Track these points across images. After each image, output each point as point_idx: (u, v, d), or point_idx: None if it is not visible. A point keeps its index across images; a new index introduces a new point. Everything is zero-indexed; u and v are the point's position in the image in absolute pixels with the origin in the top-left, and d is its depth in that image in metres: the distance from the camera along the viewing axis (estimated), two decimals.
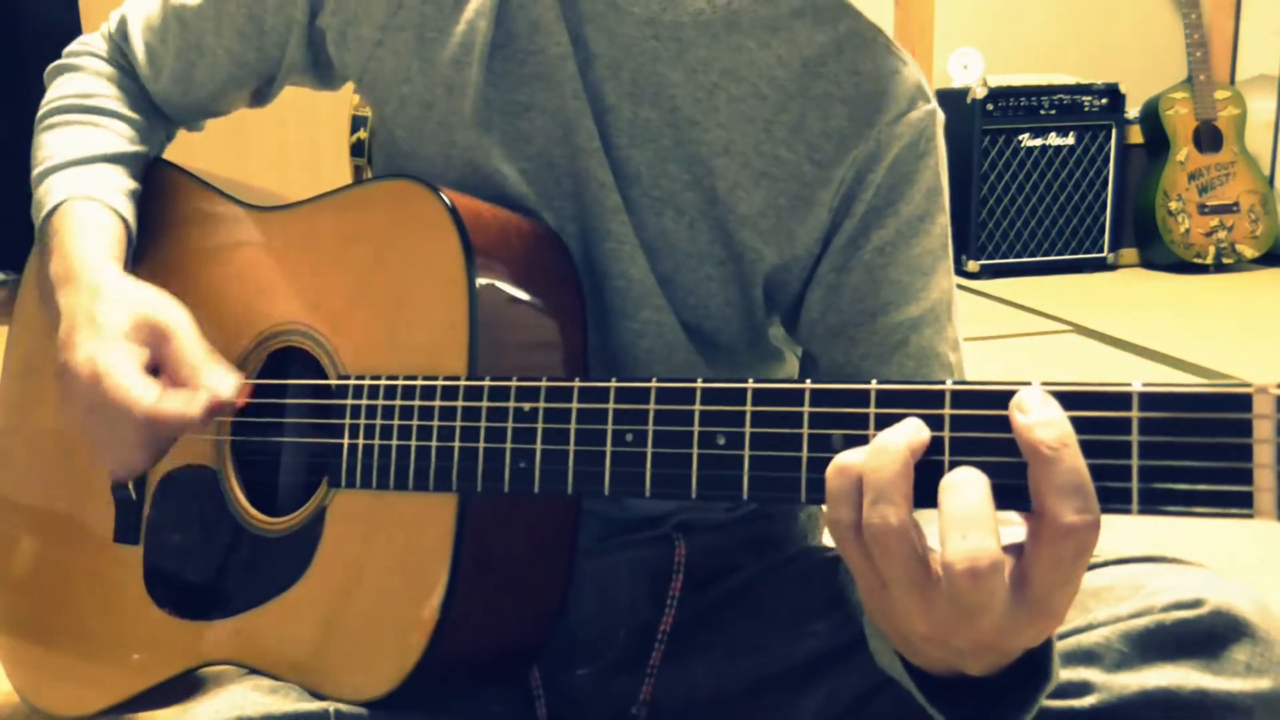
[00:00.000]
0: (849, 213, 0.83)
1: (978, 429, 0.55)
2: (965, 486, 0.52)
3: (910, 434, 0.54)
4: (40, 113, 0.96)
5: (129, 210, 0.90)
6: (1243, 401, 0.49)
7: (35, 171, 0.91)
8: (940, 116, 0.86)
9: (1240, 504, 0.49)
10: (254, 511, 0.83)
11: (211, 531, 0.85)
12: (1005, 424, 0.53)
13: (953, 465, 0.55)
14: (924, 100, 0.85)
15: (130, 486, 0.90)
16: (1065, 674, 0.72)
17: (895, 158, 0.83)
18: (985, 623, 0.53)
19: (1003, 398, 0.54)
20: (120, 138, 0.94)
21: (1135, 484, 0.51)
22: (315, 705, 0.74)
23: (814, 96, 0.83)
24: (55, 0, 2.95)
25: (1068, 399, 0.52)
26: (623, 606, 0.89)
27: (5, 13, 3.62)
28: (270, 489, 0.86)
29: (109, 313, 0.79)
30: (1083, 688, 0.71)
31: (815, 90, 0.83)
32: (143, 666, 0.87)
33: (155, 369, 0.79)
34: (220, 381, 0.78)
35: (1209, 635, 0.70)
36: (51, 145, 0.92)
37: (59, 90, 0.97)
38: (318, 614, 0.78)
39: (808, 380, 0.59)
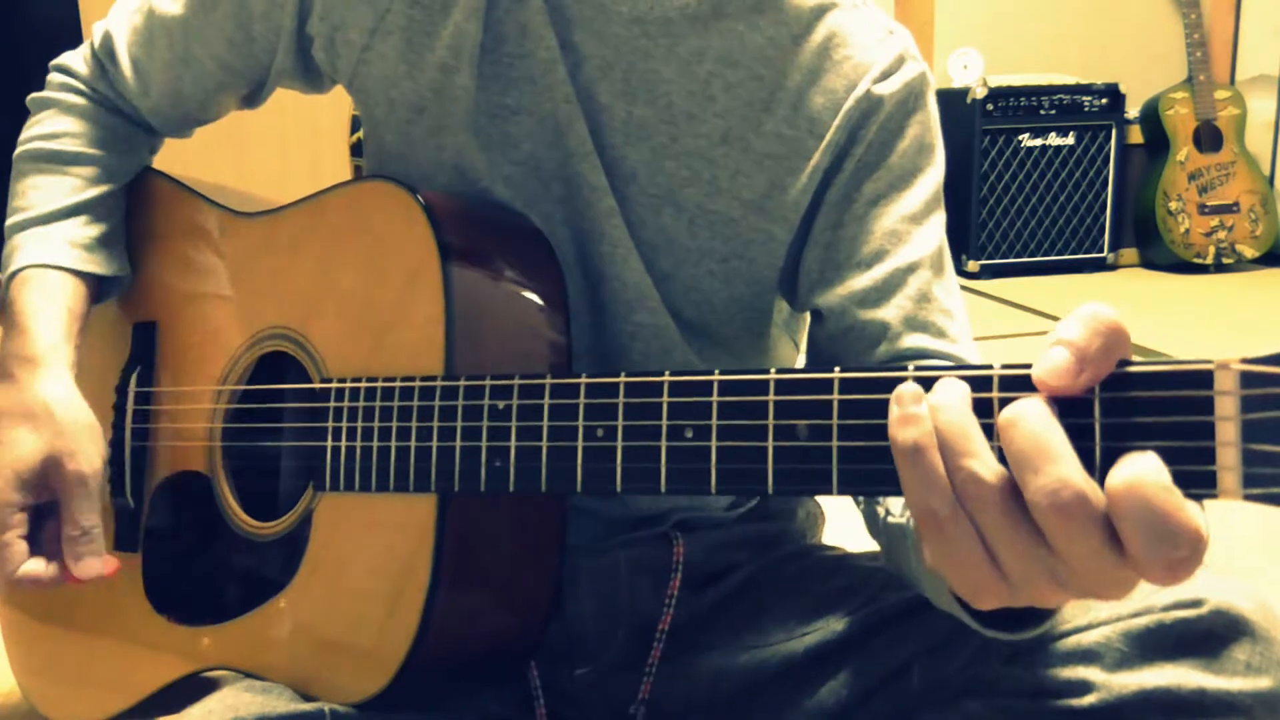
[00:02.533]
0: (840, 169, 0.84)
1: None
2: (1020, 418, 0.48)
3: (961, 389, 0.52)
4: (17, 150, 0.97)
5: (88, 261, 0.92)
6: (1204, 378, 0.47)
7: (7, 223, 0.94)
8: (930, 78, 0.87)
9: (1204, 484, 0.47)
10: (245, 516, 0.83)
11: (206, 537, 0.85)
12: (973, 407, 0.51)
13: None
14: (913, 60, 0.86)
15: (128, 494, 0.90)
16: (1065, 673, 0.72)
17: (886, 114, 0.84)
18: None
19: (969, 381, 0.52)
20: (82, 181, 0.95)
21: (1099, 467, 0.49)
22: (310, 705, 0.74)
23: (808, 70, 0.84)
24: (55, 1, 2.95)
25: (1030, 382, 0.50)
26: (621, 605, 0.89)
27: (5, 13, 3.62)
28: (262, 493, 0.86)
29: (23, 446, 0.82)
30: (1083, 687, 0.71)
31: (808, 64, 0.84)
32: (144, 672, 0.87)
33: (49, 505, 0.84)
34: (86, 564, 0.82)
35: (1209, 634, 0.70)
36: (21, 196, 0.94)
37: (31, 130, 0.98)
38: (306, 618, 0.78)
39: (772, 369, 0.59)
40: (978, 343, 0.86)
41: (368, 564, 0.75)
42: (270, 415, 0.85)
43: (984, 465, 0.49)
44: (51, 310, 0.88)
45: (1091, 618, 0.73)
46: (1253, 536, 1.64)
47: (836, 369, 0.56)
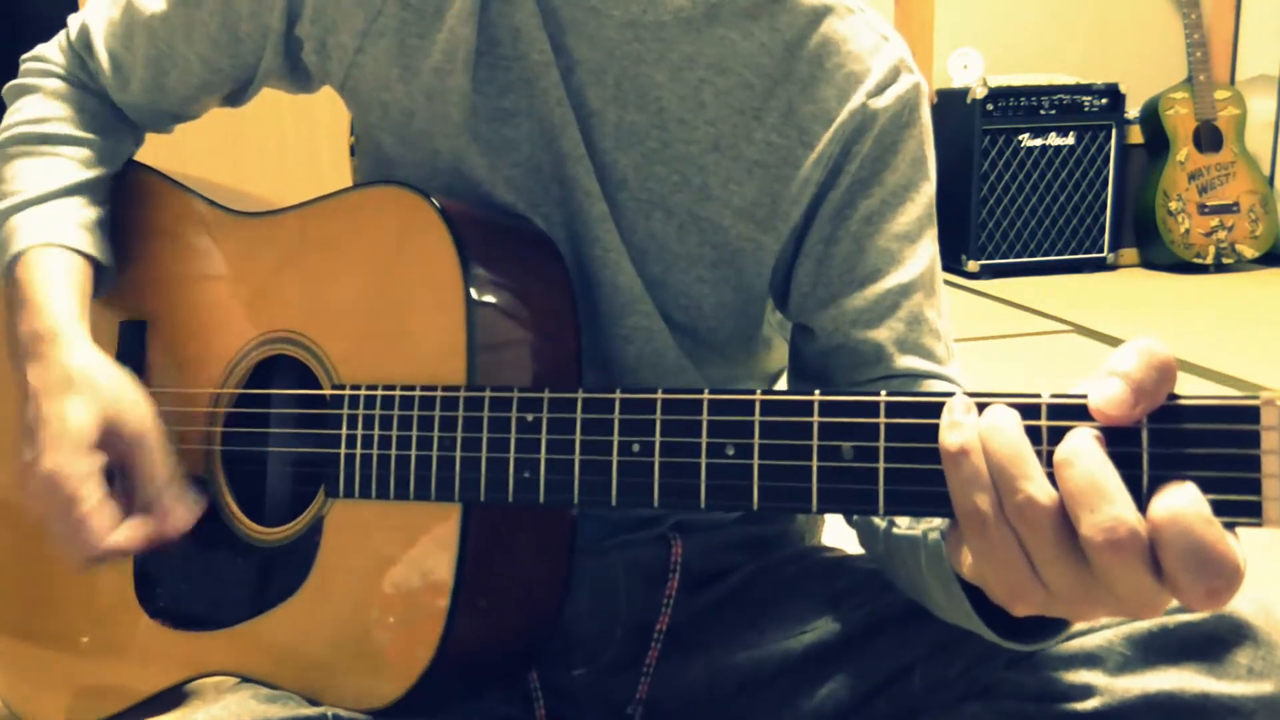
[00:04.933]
0: (834, 184, 0.84)
1: None
2: (1077, 457, 0.51)
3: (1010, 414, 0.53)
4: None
5: (91, 244, 0.89)
6: (1251, 413, 0.49)
7: None
8: (924, 88, 0.87)
9: (1249, 513, 0.50)
10: (248, 521, 0.83)
11: (204, 541, 0.84)
12: None
13: None
14: (908, 72, 0.85)
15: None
16: (1068, 676, 0.72)
17: (881, 129, 0.83)
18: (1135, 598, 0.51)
19: (1016, 409, 0.54)
20: (76, 163, 0.93)
21: (1145, 495, 0.51)
22: (313, 710, 0.74)
23: (800, 79, 0.83)
24: (55, 1, 2.95)
25: (1080, 412, 0.53)
26: (620, 606, 0.89)
27: (5, 13, 3.62)
28: (261, 499, 0.85)
29: (78, 415, 0.79)
30: (1085, 691, 0.71)
31: (800, 73, 0.83)
32: (136, 678, 0.86)
33: (118, 469, 0.81)
34: (177, 514, 0.80)
35: (1212, 638, 0.70)
36: (10, 181, 0.91)
37: (14, 116, 0.95)
38: (317, 624, 0.77)
39: (816, 391, 0.59)
40: (979, 342, 0.86)
41: (384, 572, 0.75)
42: (277, 419, 0.85)
43: (1039, 489, 0.51)
44: (64, 288, 0.85)
45: (1093, 621, 0.73)
46: (1256, 541, 1.64)
47: (883, 393, 0.58)
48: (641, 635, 0.89)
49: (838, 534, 1.04)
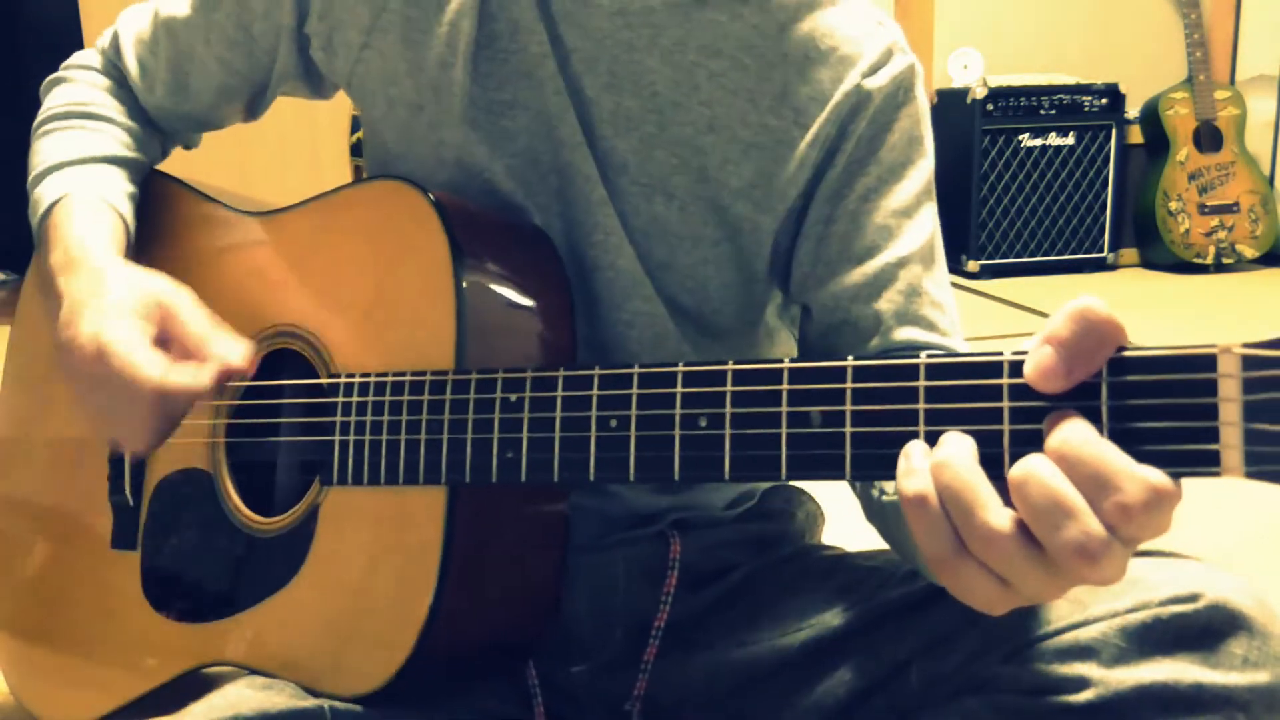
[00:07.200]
0: (831, 165, 0.85)
1: (954, 400, 0.56)
2: (1033, 475, 0.51)
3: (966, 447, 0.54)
4: (37, 120, 0.96)
5: (128, 210, 0.91)
6: (1208, 362, 0.50)
7: (32, 175, 0.91)
8: (919, 69, 0.88)
9: (1208, 462, 0.50)
10: (248, 512, 0.84)
11: (207, 534, 0.85)
12: (982, 393, 0.54)
13: (929, 436, 0.55)
14: (901, 53, 0.86)
15: (127, 492, 0.90)
16: (1062, 669, 0.72)
17: (876, 109, 0.84)
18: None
19: (977, 368, 0.55)
20: (118, 142, 0.95)
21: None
22: (310, 702, 0.74)
23: (794, 61, 0.85)
24: (55, 1, 2.95)
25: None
26: (618, 604, 0.89)
27: (5, 14, 3.62)
28: (265, 490, 0.86)
29: (113, 291, 0.79)
30: (1080, 683, 0.71)
31: (794, 55, 0.85)
32: (141, 670, 0.87)
33: (163, 342, 0.78)
34: (228, 350, 0.78)
35: (1206, 629, 0.70)
36: (49, 149, 0.93)
37: (55, 99, 0.97)
38: (312, 612, 0.78)
39: (785, 359, 0.60)
40: (979, 342, 0.86)
41: (376, 556, 0.75)
42: (276, 411, 0.85)
43: (996, 515, 0.51)
44: (100, 228, 0.85)
45: (1087, 614, 0.73)
46: (1249, 532, 1.64)
47: (850, 358, 0.58)
48: (640, 632, 0.89)
49: (838, 534, 1.04)
